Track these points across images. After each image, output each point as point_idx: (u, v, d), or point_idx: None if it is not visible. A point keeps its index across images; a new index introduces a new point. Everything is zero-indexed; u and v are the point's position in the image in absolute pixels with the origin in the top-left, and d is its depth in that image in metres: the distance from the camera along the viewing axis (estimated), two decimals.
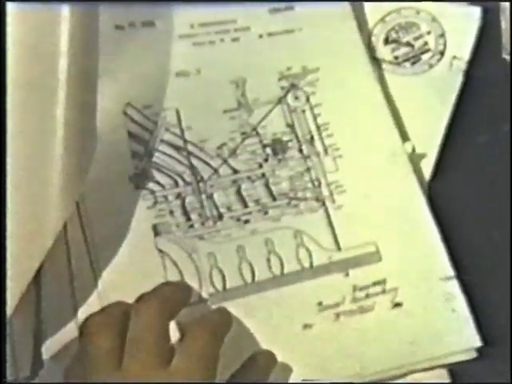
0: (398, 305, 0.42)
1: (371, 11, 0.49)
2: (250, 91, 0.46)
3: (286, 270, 0.42)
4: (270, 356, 0.39)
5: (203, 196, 0.43)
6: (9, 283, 0.31)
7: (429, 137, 0.46)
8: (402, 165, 0.45)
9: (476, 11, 0.48)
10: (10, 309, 0.33)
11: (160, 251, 0.41)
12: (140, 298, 0.37)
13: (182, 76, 0.46)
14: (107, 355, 0.34)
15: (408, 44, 0.49)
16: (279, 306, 0.41)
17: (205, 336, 0.36)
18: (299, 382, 0.40)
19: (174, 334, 0.36)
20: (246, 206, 0.43)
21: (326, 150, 0.45)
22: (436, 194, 0.45)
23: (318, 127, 0.46)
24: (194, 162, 0.44)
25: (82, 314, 0.39)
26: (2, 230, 0.32)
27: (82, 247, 0.41)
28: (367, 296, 0.42)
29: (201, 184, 0.43)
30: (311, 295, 0.42)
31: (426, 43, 0.49)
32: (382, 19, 0.49)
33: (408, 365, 0.41)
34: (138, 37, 0.46)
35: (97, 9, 0.35)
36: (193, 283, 0.41)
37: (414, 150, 0.45)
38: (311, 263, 0.42)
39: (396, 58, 0.49)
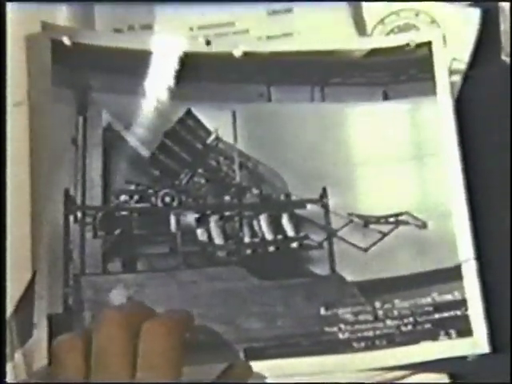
0: None
1: (370, 13, 0.49)
2: None
3: None
4: (246, 366, 0.40)
5: None
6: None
7: None
8: None
9: (475, 13, 0.48)
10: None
11: None
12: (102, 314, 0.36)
13: None
14: (75, 373, 0.34)
15: None
16: None
17: (163, 334, 0.35)
18: (300, 382, 0.40)
19: None
20: None
21: None
22: None
23: None
24: None
25: None
26: (2, 232, 0.32)
27: None
28: None
29: None
30: None
31: None
32: (382, 21, 0.49)
33: (411, 364, 0.41)
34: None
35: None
36: None
37: None
38: None
39: None
